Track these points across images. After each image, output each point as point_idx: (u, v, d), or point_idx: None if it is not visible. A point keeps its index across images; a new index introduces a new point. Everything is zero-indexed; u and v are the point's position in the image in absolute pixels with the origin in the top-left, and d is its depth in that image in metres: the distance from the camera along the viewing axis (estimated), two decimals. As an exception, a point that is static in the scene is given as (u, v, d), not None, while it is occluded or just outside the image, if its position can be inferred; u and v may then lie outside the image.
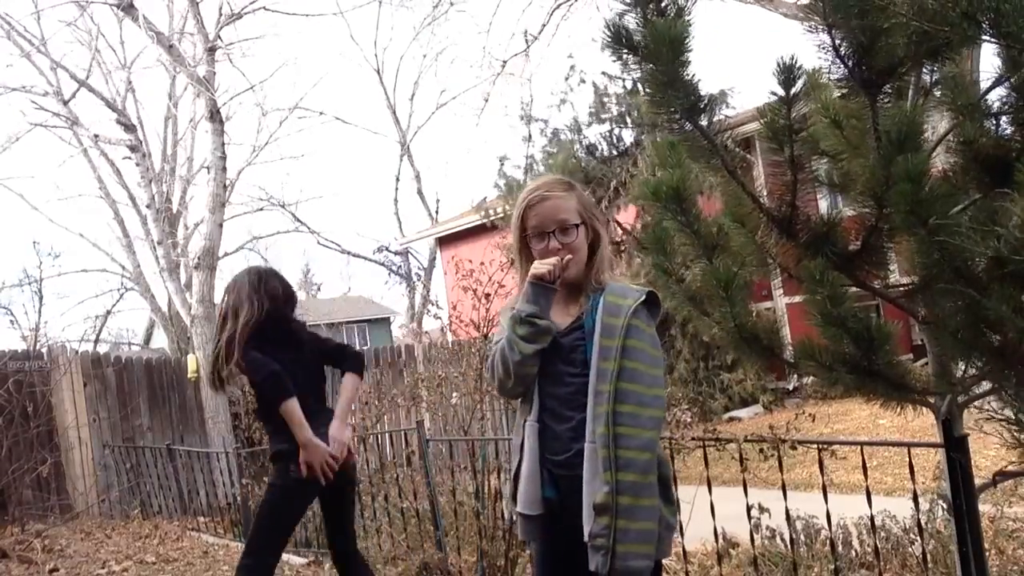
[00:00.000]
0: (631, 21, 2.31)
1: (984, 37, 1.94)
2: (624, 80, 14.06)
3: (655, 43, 2.21)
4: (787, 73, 2.14)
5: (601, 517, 1.75)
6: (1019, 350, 2.03)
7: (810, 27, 2.12)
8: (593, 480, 1.78)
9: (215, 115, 10.42)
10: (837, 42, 2.11)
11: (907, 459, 3.14)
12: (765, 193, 2.60)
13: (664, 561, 1.99)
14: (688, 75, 2.29)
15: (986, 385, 2.41)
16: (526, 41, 12.26)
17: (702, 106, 2.34)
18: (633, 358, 1.81)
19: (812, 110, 2.23)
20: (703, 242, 2.67)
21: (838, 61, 2.13)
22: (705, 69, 2.24)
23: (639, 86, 14.31)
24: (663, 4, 2.26)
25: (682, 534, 3.73)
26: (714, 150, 2.39)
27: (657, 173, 2.69)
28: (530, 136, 14.97)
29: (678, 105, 2.31)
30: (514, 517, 2.26)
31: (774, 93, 2.20)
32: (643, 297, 1.87)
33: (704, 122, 2.37)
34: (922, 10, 1.95)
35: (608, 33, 2.33)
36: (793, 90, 2.17)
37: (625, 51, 2.32)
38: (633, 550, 1.70)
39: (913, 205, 1.94)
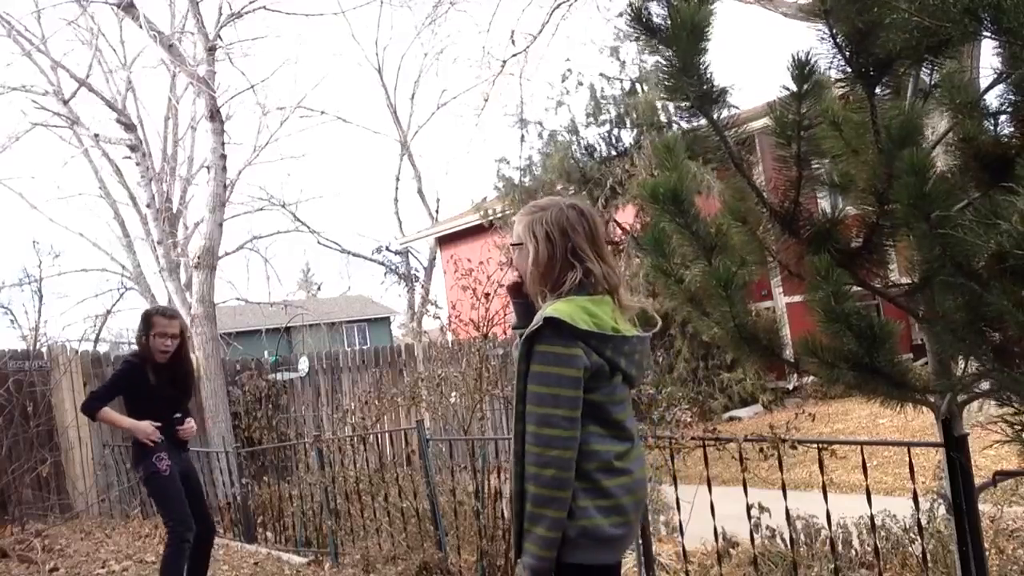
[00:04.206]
0: (654, 7, 2.34)
1: (984, 33, 1.94)
2: (622, 81, 14.04)
3: (676, 27, 2.23)
4: (801, 68, 2.14)
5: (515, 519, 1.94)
6: (1020, 346, 2.02)
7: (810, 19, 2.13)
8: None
9: (215, 115, 10.42)
10: (834, 30, 2.10)
11: (907, 459, 3.13)
12: (767, 190, 2.59)
13: (664, 560, 2.02)
14: (704, 62, 2.31)
15: (986, 384, 2.40)
16: (532, 37, 12.19)
17: (715, 95, 2.35)
18: (534, 381, 1.89)
19: (818, 110, 2.23)
20: (702, 242, 2.67)
21: (836, 51, 2.13)
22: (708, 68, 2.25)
23: (638, 86, 14.32)
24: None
25: (682, 533, 3.73)
26: (723, 141, 2.39)
27: (655, 173, 2.70)
28: (531, 136, 14.91)
29: (691, 92, 2.32)
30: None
31: (786, 88, 2.20)
32: (538, 324, 1.89)
33: (715, 114, 2.37)
34: (923, 6, 1.95)
35: (630, 14, 2.35)
36: (806, 86, 2.16)
37: (645, 33, 2.34)
38: (532, 551, 1.85)
39: (916, 199, 1.93)
